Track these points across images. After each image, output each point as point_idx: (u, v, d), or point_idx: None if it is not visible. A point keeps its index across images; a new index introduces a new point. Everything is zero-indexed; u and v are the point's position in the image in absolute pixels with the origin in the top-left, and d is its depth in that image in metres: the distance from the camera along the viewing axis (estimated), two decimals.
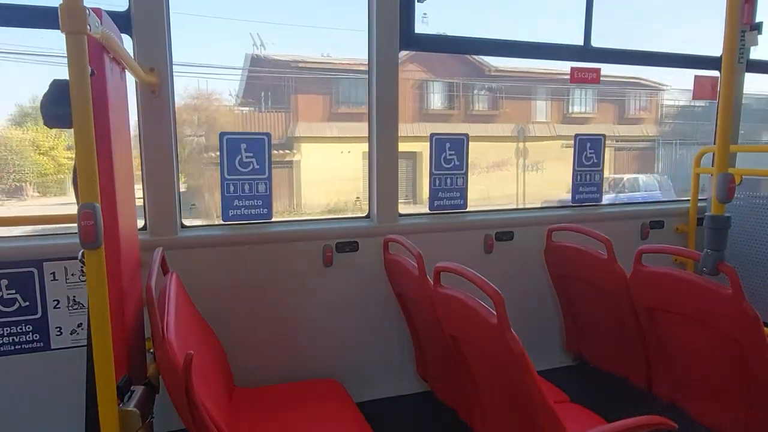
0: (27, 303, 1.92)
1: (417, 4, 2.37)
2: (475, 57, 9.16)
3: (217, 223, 2.24)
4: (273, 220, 2.27)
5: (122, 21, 1.93)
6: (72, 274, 1.96)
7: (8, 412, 1.97)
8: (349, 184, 8.62)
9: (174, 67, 2.07)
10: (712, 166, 2.95)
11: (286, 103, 9.22)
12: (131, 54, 1.87)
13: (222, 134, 2.17)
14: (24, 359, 1.94)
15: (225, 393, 1.86)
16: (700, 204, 2.95)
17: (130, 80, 1.83)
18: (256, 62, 8.83)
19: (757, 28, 2.95)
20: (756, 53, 3.06)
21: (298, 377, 2.20)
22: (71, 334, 1.99)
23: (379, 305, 2.39)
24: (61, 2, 1.06)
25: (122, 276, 1.50)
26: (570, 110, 11.19)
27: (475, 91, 10.28)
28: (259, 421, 1.85)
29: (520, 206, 9.00)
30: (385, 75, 2.34)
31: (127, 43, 1.96)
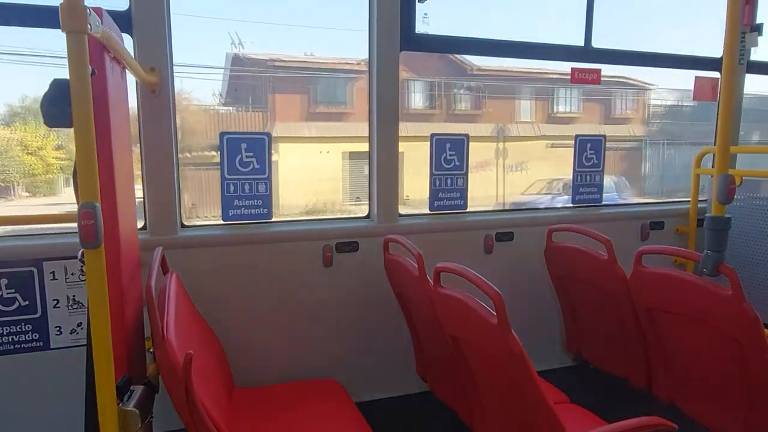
0: (27, 302, 1.92)
1: (417, 5, 2.37)
2: (457, 56, 9.15)
3: (216, 222, 2.24)
4: (273, 220, 2.27)
5: (123, 20, 1.93)
6: (72, 274, 1.95)
7: (8, 412, 1.97)
8: (328, 185, 8.48)
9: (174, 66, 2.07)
10: (713, 167, 2.95)
11: (264, 102, 9.15)
12: (131, 53, 1.87)
13: (222, 134, 2.17)
14: (23, 359, 1.94)
15: (225, 393, 1.86)
16: (700, 205, 2.95)
17: (131, 80, 1.83)
18: (232, 61, 8.81)
19: (758, 29, 2.95)
20: (755, 55, 3.06)
21: (298, 377, 2.20)
22: (71, 333, 1.99)
23: (379, 305, 2.39)
24: (62, 1, 1.06)
25: (122, 276, 1.50)
26: (555, 110, 11.11)
27: (456, 91, 10.18)
28: (258, 421, 1.85)
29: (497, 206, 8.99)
30: (385, 75, 2.34)
31: (128, 42, 1.96)
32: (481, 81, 10.34)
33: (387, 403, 2.45)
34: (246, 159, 2.19)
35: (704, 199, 3.01)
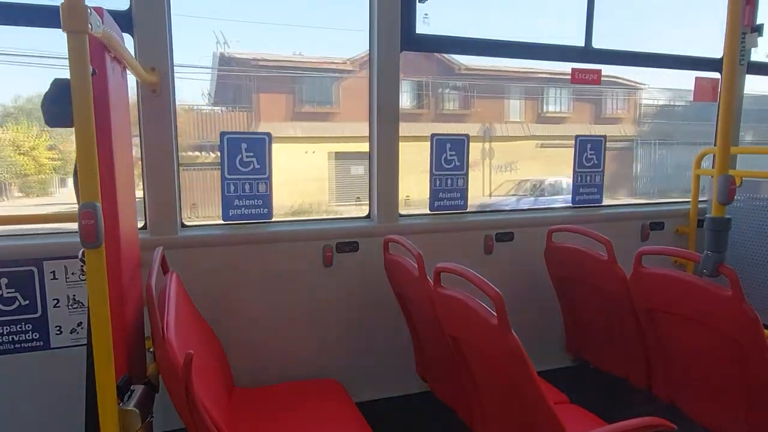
0: (27, 302, 1.92)
1: (418, 5, 2.37)
2: (445, 55, 9.06)
3: (217, 222, 2.24)
4: (273, 219, 2.27)
5: (123, 20, 1.93)
6: (72, 273, 1.96)
7: (8, 411, 1.97)
8: (313, 185, 8.40)
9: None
10: (713, 167, 2.95)
11: (248, 102, 9.11)
12: (132, 53, 1.87)
13: (223, 133, 2.17)
14: (24, 358, 1.94)
15: (225, 393, 1.86)
16: (700, 206, 2.95)
17: (131, 79, 1.83)
18: (217, 61, 8.76)
19: (758, 30, 2.95)
20: (755, 55, 3.06)
21: (298, 377, 2.20)
22: (71, 333, 1.99)
23: (379, 305, 2.39)
24: (63, 1, 1.06)
25: (122, 275, 1.50)
26: (545, 109, 11.05)
27: (444, 90, 10.09)
28: (258, 421, 1.85)
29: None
30: (386, 75, 2.34)
31: (128, 42, 1.96)
32: (469, 80, 10.23)
33: (387, 403, 2.45)
34: (246, 159, 2.19)
35: (704, 199, 3.01)
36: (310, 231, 2.30)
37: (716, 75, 3.00)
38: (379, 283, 2.31)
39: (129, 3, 1.96)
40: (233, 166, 2.18)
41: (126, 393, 1.40)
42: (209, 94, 8.87)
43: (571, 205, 2.84)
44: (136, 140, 2.03)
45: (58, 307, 1.96)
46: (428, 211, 2.55)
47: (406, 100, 9.81)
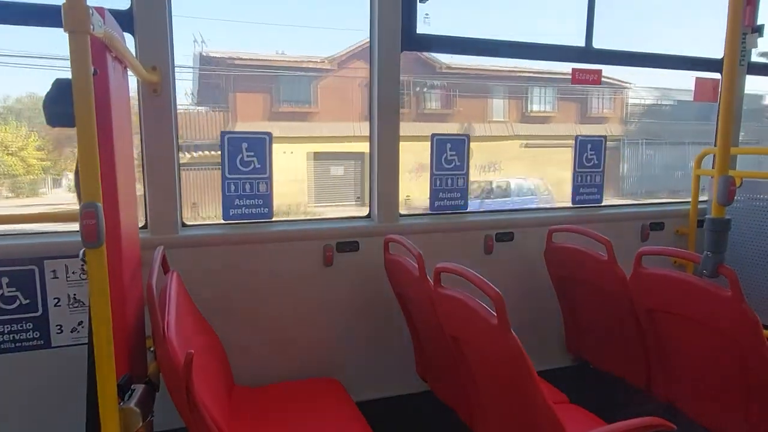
0: (28, 301, 1.93)
1: (419, 5, 2.37)
2: (424, 53, 8.94)
3: (217, 222, 2.25)
4: (274, 219, 2.27)
5: (124, 19, 1.93)
6: (73, 273, 1.96)
7: (9, 410, 1.97)
8: (293, 186, 8.25)
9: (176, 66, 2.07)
10: (713, 168, 2.95)
11: (224, 101, 8.99)
12: (133, 53, 1.88)
13: (224, 133, 2.17)
14: (24, 357, 1.95)
15: (225, 392, 1.86)
16: (700, 206, 2.95)
17: (132, 79, 1.83)
18: (198, 60, 8.68)
19: (759, 30, 2.95)
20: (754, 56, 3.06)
21: (298, 376, 2.20)
22: (72, 332, 1.99)
23: (379, 305, 2.39)
24: (64, 1, 1.06)
25: (123, 275, 1.50)
26: (529, 109, 10.92)
27: (425, 89, 9.88)
28: (258, 420, 1.85)
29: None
30: (386, 75, 2.34)
31: (129, 41, 1.96)
32: (451, 79, 10.05)
33: (387, 403, 2.45)
34: (247, 158, 2.19)
35: (704, 200, 3.01)
36: (311, 231, 2.30)
37: (716, 75, 3.00)
38: (380, 282, 2.32)
39: (130, 2, 1.96)
40: (234, 165, 2.18)
41: (127, 392, 1.40)
42: (192, 94, 8.84)
43: (571, 205, 2.84)
44: (136, 139, 2.03)
45: (59, 306, 1.96)
46: (422, 211, 2.55)
47: None
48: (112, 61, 1.44)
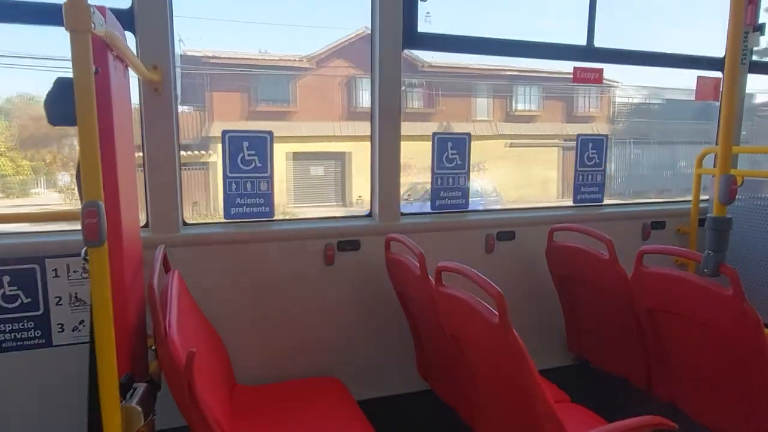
0: (29, 299, 1.93)
1: (420, 3, 2.37)
2: (404, 51, 8.76)
3: (218, 221, 2.25)
4: (275, 218, 2.27)
5: (125, 18, 1.93)
6: (74, 271, 1.96)
7: (10, 409, 1.97)
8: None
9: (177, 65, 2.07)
10: (714, 167, 2.95)
11: (201, 100, 8.86)
12: (134, 51, 1.88)
13: (225, 132, 2.17)
14: (26, 356, 1.95)
15: (226, 391, 1.86)
16: (701, 205, 2.95)
17: (133, 78, 1.83)
18: (179, 59, 8.62)
19: (760, 29, 2.95)
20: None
21: (299, 375, 2.20)
22: (73, 331, 1.99)
23: (380, 304, 2.39)
24: (66, 0, 1.06)
25: (124, 273, 1.50)
26: (514, 108, 10.77)
27: (408, 88, 9.74)
28: (260, 419, 1.86)
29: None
30: (387, 74, 2.34)
31: (130, 40, 1.96)
32: (434, 78, 9.91)
33: (388, 402, 2.46)
34: (248, 157, 2.19)
35: (705, 198, 3.01)
36: (312, 230, 2.31)
37: (718, 74, 3.00)
38: (381, 281, 2.32)
39: (131, 1, 1.96)
40: (235, 164, 2.18)
41: (128, 391, 1.41)
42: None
43: (572, 204, 2.84)
44: (137, 138, 2.03)
45: (60, 305, 1.96)
46: (431, 210, 2.55)
47: (366, 99, 9.49)
48: (114, 60, 1.44)
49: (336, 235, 2.32)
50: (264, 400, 1.98)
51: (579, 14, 2.69)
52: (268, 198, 2.24)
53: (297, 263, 2.28)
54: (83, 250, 1.16)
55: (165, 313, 1.45)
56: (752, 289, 2.68)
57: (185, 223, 2.16)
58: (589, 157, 2.81)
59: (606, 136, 2.87)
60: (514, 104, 10.78)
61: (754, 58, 3.07)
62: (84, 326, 1.99)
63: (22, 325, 1.94)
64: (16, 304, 1.92)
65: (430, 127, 9.83)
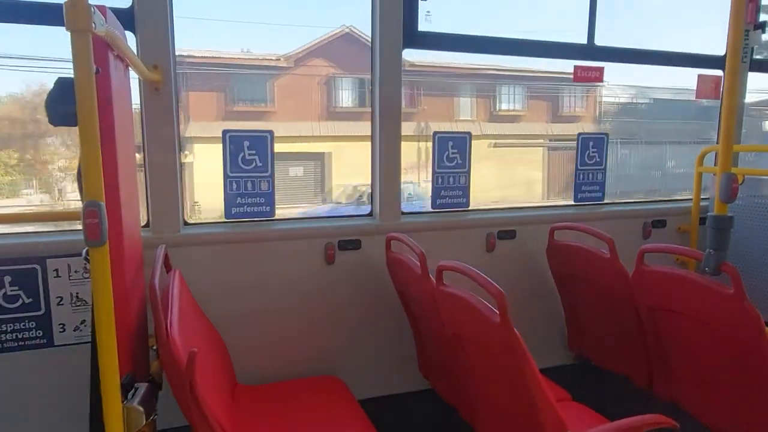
0: (30, 299, 1.93)
1: (420, 2, 2.37)
2: None
3: (219, 221, 2.25)
4: (276, 218, 2.27)
5: (125, 18, 1.93)
6: (75, 271, 1.96)
7: (12, 409, 1.98)
8: None
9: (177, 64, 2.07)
10: (715, 165, 2.95)
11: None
12: (134, 51, 1.88)
13: (225, 131, 2.17)
14: (27, 356, 1.95)
15: (228, 390, 1.87)
16: (702, 203, 2.95)
17: (133, 77, 1.83)
18: None
19: (762, 27, 2.94)
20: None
21: (301, 374, 2.20)
22: (74, 330, 1.99)
23: (381, 303, 2.39)
24: (66, 0, 1.06)
25: (126, 273, 1.50)
26: (498, 107, 10.75)
27: None
28: (261, 418, 1.86)
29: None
30: (388, 74, 2.34)
31: (130, 39, 1.96)
32: (415, 77, 9.73)
33: (389, 401, 2.46)
34: (248, 157, 2.19)
35: (706, 197, 3.01)
36: (313, 229, 2.31)
37: (719, 72, 3.00)
38: (382, 281, 2.32)
39: (131, 1, 1.96)
40: (235, 163, 2.18)
41: (130, 391, 1.41)
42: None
43: (573, 203, 2.84)
44: (138, 138, 2.03)
45: (62, 304, 1.97)
46: (432, 209, 2.55)
47: (347, 98, 8.91)
48: (114, 60, 1.43)
49: (337, 235, 2.32)
50: (265, 399, 1.98)
51: (580, 13, 2.69)
52: (269, 197, 2.24)
53: (298, 263, 2.28)
54: (84, 250, 1.16)
55: (166, 313, 1.46)
56: (753, 288, 2.68)
57: (186, 223, 2.16)
58: (589, 156, 2.81)
59: (606, 134, 2.87)
60: (498, 104, 10.72)
61: (758, 56, 3.07)
62: (85, 326, 1.99)
63: (24, 325, 1.94)
64: (18, 304, 1.92)
65: (411, 127, 9.77)
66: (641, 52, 2.86)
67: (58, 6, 1.06)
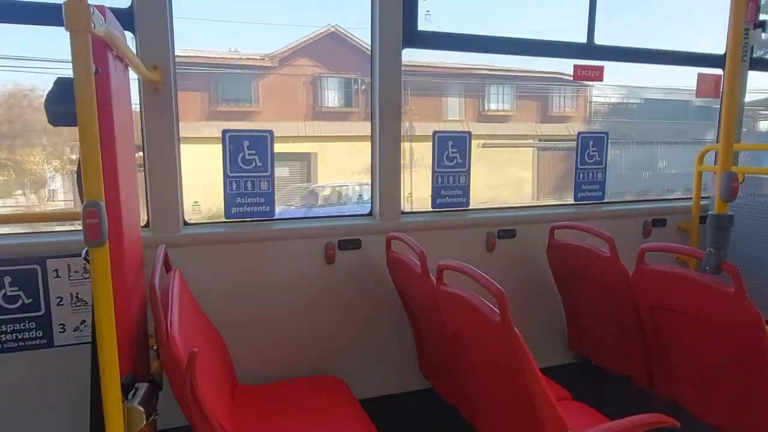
0: (30, 300, 1.93)
1: (420, 1, 2.36)
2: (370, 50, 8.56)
3: (219, 221, 2.25)
4: (276, 217, 2.27)
5: (125, 18, 1.93)
6: (75, 272, 1.96)
7: (12, 409, 1.98)
8: None
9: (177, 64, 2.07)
10: (715, 164, 2.95)
11: None
12: (133, 51, 1.87)
13: (225, 131, 2.17)
14: (27, 356, 1.95)
15: (228, 390, 1.87)
16: (702, 202, 2.94)
17: (133, 77, 1.83)
18: None
19: (762, 26, 2.94)
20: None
21: (301, 374, 2.20)
22: (74, 331, 1.99)
23: (381, 303, 2.39)
24: (65, 0, 1.05)
25: (126, 273, 1.50)
26: (486, 107, 10.78)
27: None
28: (261, 418, 1.86)
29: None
30: (387, 73, 2.34)
31: (130, 39, 1.96)
32: (404, 77, 9.79)
33: (389, 401, 2.46)
34: (248, 157, 2.19)
35: (706, 196, 3.01)
36: (313, 229, 2.31)
37: (719, 71, 2.99)
38: (382, 280, 2.32)
39: (130, 1, 1.96)
40: (235, 163, 2.18)
41: (130, 391, 1.41)
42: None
43: (573, 202, 2.84)
44: (137, 138, 2.03)
45: (62, 305, 1.96)
46: (432, 209, 2.55)
47: (333, 98, 8.54)
48: (113, 60, 1.43)
49: (337, 234, 2.32)
50: (265, 399, 1.98)
51: (580, 12, 2.69)
52: (269, 197, 2.23)
53: (298, 262, 2.28)
54: (84, 251, 1.16)
55: (166, 313, 1.45)
56: (753, 287, 2.68)
57: (186, 223, 2.16)
58: (589, 155, 2.81)
59: (606, 133, 2.87)
60: (486, 104, 10.71)
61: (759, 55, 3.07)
62: (85, 326, 1.99)
63: (24, 326, 1.94)
64: (18, 304, 1.92)
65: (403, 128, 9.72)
66: (641, 51, 2.86)
67: (57, 6, 1.06)
